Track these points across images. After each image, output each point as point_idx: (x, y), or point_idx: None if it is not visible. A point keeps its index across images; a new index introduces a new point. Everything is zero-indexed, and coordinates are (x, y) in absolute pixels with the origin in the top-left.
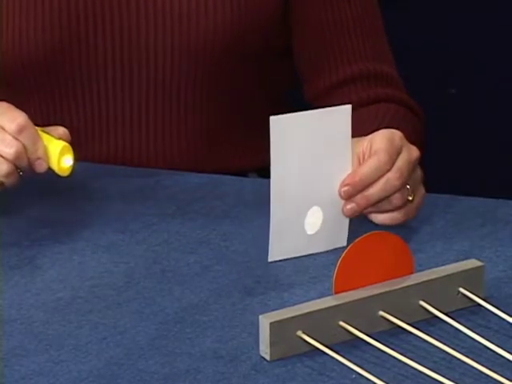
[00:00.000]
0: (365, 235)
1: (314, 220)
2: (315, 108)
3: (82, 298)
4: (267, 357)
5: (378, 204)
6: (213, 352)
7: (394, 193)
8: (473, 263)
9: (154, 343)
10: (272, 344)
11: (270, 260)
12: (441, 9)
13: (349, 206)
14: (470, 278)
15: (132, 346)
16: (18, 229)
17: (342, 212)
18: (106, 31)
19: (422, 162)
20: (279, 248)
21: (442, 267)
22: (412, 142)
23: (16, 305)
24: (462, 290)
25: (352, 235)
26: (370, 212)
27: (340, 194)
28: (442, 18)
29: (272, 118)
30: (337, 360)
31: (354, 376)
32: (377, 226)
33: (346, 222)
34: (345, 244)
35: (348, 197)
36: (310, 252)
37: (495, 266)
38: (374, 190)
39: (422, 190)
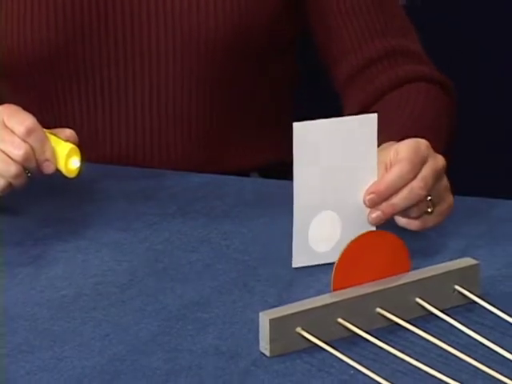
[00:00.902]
0: (362, 234)
1: (331, 230)
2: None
3: (85, 296)
4: (267, 353)
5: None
6: (214, 348)
7: (419, 202)
8: (468, 261)
9: (157, 340)
10: (272, 340)
11: (294, 266)
12: None
13: (374, 215)
14: (465, 276)
15: (135, 343)
16: (23, 228)
17: (367, 220)
18: (109, 30)
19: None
20: (303, 255)
21: (438, 265)
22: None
23: (21, 302)
24: (457, 287)
25: None
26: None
27: (365, 203)
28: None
29: (295, 125)
30: (335, 356)
31: (352, 372)
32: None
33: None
34: None
35: (373, 205)
36: (334, 260)
37: (490, 265)
38: (399, 199)
39: (448, 199)
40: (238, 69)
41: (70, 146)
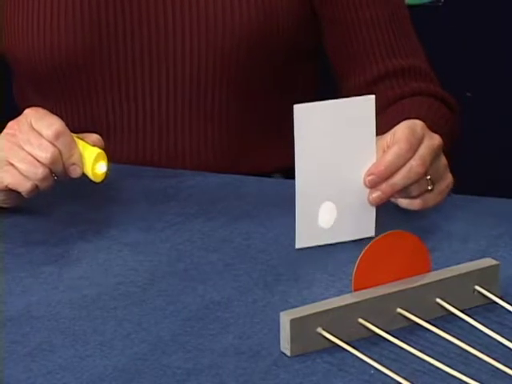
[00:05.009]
0: (383, 234)
1: (329, 212)
2: None
3: (107, 295)
4: (288, 353)
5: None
6: (235, 348)
7: (419, 180)
8: (488, 262)
9: (178, 339)
10: (292, 340)
11: (297, 247)
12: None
13: (375, 195)
14: (485, 277)
15: (156, 342)
16: (46, 228)
17: (367, 201)
18: (135, 34)
19: (455, 159)
20: (305, 235)
21: (459, 266)
22: (440, 130)
23: (43, 301)
24: (477, 287)
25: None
26: (394, 197)
27: (365, 183)
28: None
29: (296, 106)
30: (356, 356)
31: (372, 372)
32: (400, 223)
33: (373, 211)
34: (373, 234)
35: (373, 185)
36: (336, 240)
37: (511, 265)
38: (398, 178)
39: (447, 178)
40: (261, 70)
41: (97, 150)
